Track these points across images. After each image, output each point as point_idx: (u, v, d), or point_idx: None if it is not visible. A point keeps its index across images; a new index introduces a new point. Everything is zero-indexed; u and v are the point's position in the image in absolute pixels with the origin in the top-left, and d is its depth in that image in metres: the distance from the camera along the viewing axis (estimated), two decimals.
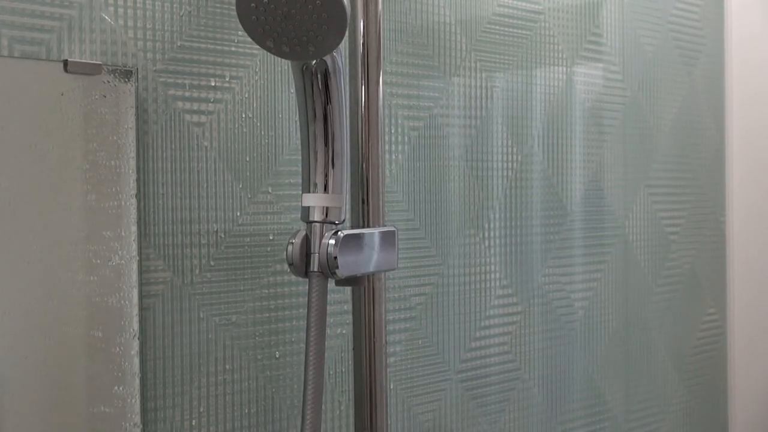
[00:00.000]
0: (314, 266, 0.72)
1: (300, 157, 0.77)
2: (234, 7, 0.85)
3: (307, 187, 0.72)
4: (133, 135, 0.77)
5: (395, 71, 0.99)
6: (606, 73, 1.27)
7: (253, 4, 0.64)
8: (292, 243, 0.72)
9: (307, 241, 0.72)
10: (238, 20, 0.69)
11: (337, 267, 0.71)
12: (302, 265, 0.73)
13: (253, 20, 0.65)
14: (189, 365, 0.83)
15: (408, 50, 1.01)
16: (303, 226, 0.74)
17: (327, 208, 0.71)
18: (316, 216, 0.72)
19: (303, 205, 0.72)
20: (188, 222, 0.82)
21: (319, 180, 0.72)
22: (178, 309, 0.82)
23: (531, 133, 1.15)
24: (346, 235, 0.72)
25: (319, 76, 0.68)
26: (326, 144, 0.71)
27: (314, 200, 0.71)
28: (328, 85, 0.69)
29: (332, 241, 0.71)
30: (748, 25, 1.54)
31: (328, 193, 0.71)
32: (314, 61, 0.68)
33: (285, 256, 0.74)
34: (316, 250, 0.72)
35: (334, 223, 0.72)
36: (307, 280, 0.73)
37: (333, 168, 0.72)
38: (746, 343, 1.55)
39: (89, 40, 0.76)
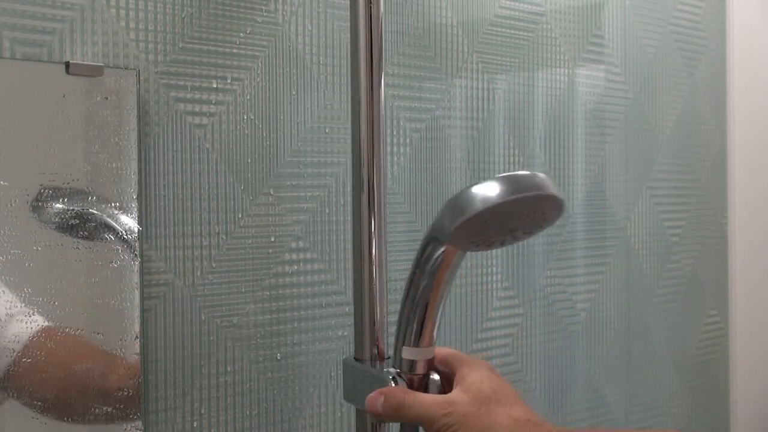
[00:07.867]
0: None
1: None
2: (235, 10, 0.85)
3: (402, 338, 0.73)
4: (135, 137, 0.77)
5: (397, 73, 0.99)
6: (608, 75, 1.27)
7: (473, 241, 0.64)
8: None
9: None
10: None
11: None
12: None
13: (473, 244, 0.65)
14: (190, 367, 0.83)
15: (410, 52, 1.01)
16: (393, 374, 0.74)
17: (425, 360, 0.73)
18: (419, 369, 0.73)
19: (404, 357, 0.73)
20: (190, 224, 0.82)
21: (419, 333, 0.72)
22: (179, 311, 0.82)
23: (533, 135, 1.15)
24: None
25: (438, 257, 0.68)
26: (421, 306, 0.71)
27: (414, 354, 0.72)
28: (441, 266, 0.68)
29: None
30: (750, 26, 1.54)
31: (422, 346, 0.72)
32: (442, 249, 0.67)
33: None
34: None
35: (427, 375, 0.74)
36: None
37: (429, 325, 0.72)
38: (748, 345, 1.55)
39: (91, 41, 0.76)
